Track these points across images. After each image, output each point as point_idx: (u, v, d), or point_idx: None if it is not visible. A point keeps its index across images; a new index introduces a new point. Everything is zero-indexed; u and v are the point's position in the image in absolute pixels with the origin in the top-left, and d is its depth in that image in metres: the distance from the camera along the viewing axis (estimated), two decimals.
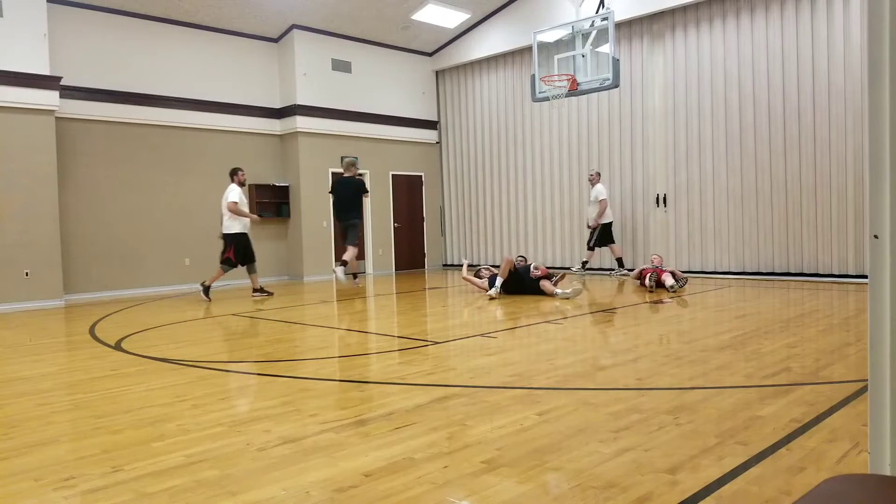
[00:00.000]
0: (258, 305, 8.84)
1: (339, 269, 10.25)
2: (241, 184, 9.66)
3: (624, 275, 11.17)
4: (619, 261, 11.43)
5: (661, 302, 8.05)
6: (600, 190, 11.11)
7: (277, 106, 12.72)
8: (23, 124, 9.12)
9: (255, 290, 9.91)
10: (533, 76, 9.66)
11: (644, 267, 9.78)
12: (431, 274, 13.50)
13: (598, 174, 11.26)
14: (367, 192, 11.21)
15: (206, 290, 9.52)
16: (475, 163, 14.23)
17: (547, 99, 9.47)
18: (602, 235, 11.23)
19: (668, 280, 8.91)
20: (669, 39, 11.16)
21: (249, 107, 12.30)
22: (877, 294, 1.55)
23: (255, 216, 9.74)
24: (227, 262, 9.51)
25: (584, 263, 11.72)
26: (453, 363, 4.88)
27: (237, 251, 9.49)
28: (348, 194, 10.58)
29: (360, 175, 13.50)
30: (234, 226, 9.45)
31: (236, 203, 9.36)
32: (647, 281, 9.18)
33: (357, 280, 11.21)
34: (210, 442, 3.15)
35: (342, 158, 12.43)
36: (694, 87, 10.88)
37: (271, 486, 2.58)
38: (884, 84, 1.51)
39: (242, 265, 9.65)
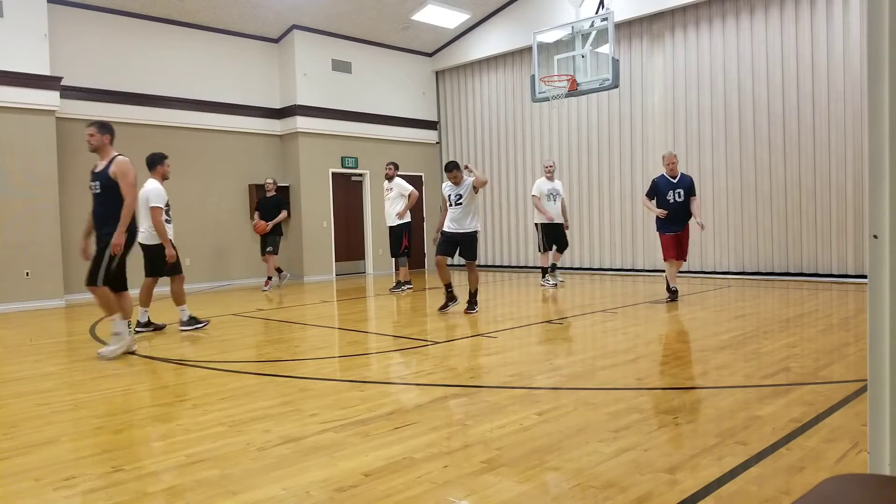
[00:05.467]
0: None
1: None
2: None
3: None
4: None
5: (661, 302, 8.05)
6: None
7: (277, 106, 12.72)
8: (23, 124, 9.12)
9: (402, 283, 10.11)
10: (533, 76, 9.66)
11: (664, 236, 7.99)
12: (431, 274, 13.50)
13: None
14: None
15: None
16: (475, 163, 14.21)
17: (547, 99, 9.47)
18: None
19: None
20: (669, 40, 11.16)
21: (249, 107, 12.30)
22: (876, 294, 1.55)
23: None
24: (405, 254, 10.12)
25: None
26: (453, 363, 4.88)
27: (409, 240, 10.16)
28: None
29: (358, 176, 13.52)
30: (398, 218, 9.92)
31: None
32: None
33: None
34: (210, 442, 3.15)
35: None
36: (694, 88, 10.88)
37: (271, 486, 2.58)
38: (884, 84, 1.51)
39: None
